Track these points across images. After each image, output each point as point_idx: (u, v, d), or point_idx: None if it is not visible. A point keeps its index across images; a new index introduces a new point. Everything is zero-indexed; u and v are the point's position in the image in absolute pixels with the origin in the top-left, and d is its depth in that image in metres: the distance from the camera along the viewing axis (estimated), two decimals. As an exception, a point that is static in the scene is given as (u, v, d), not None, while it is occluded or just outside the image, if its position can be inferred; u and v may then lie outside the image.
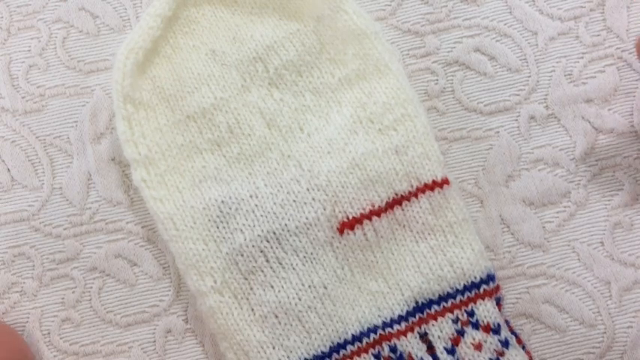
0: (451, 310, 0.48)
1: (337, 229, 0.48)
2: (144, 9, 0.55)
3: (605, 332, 0.50)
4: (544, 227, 0.52)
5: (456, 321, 0.48)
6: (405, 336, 0.47)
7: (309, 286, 0.48)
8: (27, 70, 0.54)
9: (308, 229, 0.48)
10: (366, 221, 0.48)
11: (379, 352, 0.47)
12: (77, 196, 0.52)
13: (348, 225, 0.48)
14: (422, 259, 0.48)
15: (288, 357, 0.47)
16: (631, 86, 0.54)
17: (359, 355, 0.47)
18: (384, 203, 0.49)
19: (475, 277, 0.48)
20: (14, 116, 0.53)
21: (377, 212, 0.48)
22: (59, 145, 0.53)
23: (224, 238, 0.48)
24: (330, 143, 0.49)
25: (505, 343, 0.47)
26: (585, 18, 0.54)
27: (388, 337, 0.47)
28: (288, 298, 0.48)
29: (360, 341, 0.47)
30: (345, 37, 0.51)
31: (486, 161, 0.53)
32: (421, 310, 0.48)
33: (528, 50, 0.54)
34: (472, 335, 0.47)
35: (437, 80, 0.54)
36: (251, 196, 0.49)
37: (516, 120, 0.53)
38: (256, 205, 0.49)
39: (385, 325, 0.48)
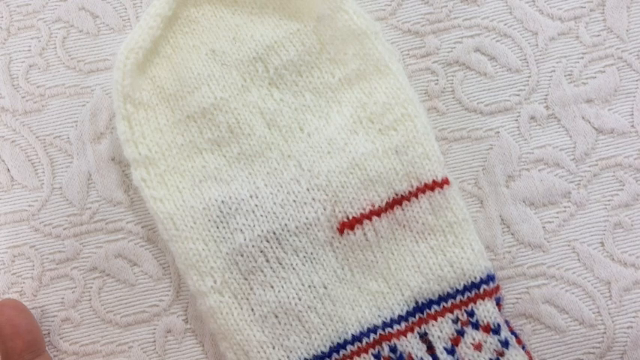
0: (451, 310, 0.48)
1: (337, 229, 0.48)
2: (144, 9, 0.55)
3: (605, 332, 0.50)
4: (544, 227, 0.52)
5: (455, 321, 0.48)
6: (405, 336, 0.47)
7: (309, 286, 0.48)
8: (27, 70, 0.54)
9: (308, 229, 0.48)
10: (366, 221, 0.48)
11: (379, 352, 0.47)
12: (77, 196, 0.52)
13: (348, 225, 0.48)
14: (422, 259, 0.48)
15: (288, 357, 0.47)
16: (631, 86, 0.54)
17: (359, 355, 0.47)
18: (384, 203, 0.49)
19: (475, 278, 0.48)
20: (14, 116, 0.53)
21: (377, 212, 0.48)
22: (59, 145, 0.53)
23: (224, 238, 0.48)
24: (330, 143, 0.49)
25: (505, 344, 0.47)
26: (585, 18, 0.54)
27: (388, 337, 0.47)
28: (288, 298, 0.48)
29: (360, 341, 0.47)
30: (345, 37, 0.51)
31: (486, 161, 0.53)
32: (421, 310, 0.48)
33: (528, 50, 0.54)
34: (472, 335, 0.47)
35: (437, 80, 0.54)
36: (251, 196, 0.49)
37: (516, 120, 0.53)
38: (256, 205, 0.48)
39: (385, 325, 0.48)
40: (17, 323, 0.47)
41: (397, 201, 0.49)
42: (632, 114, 0.53)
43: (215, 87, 0.50)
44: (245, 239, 0.48)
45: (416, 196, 0.49)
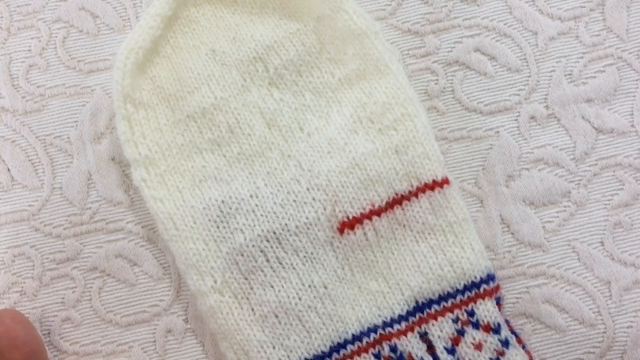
0: (451, 310, 0.48)
1: (337, 228, 0.48)
2: (144, 9, 0.55)
3: (605, 332, 0.50)
4: (544, 227, 0.52)
5: (456, 321, 0.48)
6: (405, 336, 0.47)
7: (309, 286, 0.48)
8: (27, 70, 0.54)
9: (308, 228, 0.48)
10: (366, 221, 0.48)
11: (379, 351, 0.47)
12: (77, 196, 0.52)
13: (348, 225, 0.48)
14: (422, 259, 0.48)
15: (288, 357, 0.47)
16: (631, 86, 0.54)
17: (359, 355, 0.47)
18: (384, 203, 0.49)
19: (475, 277, 0.48)
20: (14, 116, 0.53)
21: (377, 212, 0.48)
22: (59, 145, 0.53)
23: (224, 237, 0.48)
24: (330, 143, 0.49)
25: (505, 343, 0.47)
26: (585, 18, 0.54)
27: (388, 337, 0.47)
28: (289, 297, 0.48)
29: (360, 341, 0.47)
30: (345, 37, 0.51)
31: (486, 161, 0.53)
32: (421, 310, 0.48)
33: (528, 50, 0.54)
34: (472, 335, 0.47)
35: (437, 80, 0.54)
36: (251, 196, 0.49)
37: (516, 120, 0.53)
38: (256, 205, 0.49)
39: (385, 324, 0.48)
40: (15, 335, 0.46)
41: (397, 201, 0.49)
42: (632, 114, 0.53)
43: (215, 87, 0.50)
44: (245, 239, 0.48)
45: (416, 195, 0.49)
